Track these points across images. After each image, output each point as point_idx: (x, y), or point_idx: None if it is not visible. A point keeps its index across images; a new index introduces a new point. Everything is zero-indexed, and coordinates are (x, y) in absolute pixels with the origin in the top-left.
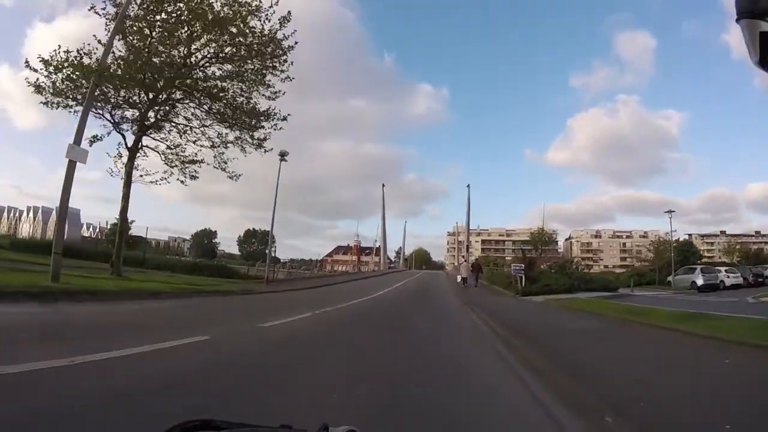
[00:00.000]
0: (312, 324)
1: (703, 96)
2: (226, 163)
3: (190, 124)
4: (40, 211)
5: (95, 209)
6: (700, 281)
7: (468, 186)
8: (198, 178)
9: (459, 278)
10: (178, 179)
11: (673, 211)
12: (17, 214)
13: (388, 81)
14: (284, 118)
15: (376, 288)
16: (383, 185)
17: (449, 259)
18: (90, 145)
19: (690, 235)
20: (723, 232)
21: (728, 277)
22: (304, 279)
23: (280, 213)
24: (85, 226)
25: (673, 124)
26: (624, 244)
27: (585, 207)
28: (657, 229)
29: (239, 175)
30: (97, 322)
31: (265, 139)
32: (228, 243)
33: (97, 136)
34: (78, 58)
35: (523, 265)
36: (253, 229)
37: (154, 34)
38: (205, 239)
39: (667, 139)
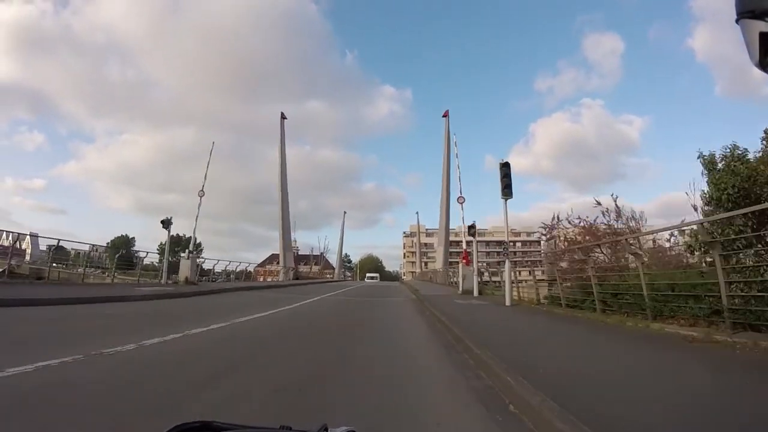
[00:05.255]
0: None
1: (665, 100)
2: None
3: None
4: None
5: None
6: None
7: (445, 115)
8: None
9: None
10: None
11: None
12: None
13: (349, 81)
14: None
15: None
16: (282, 116)
17: (407, 266)
18: None
19: None
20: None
21: None
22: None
23: (233, 224)
24: None
25: (635, 128)
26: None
27: (541, 214)
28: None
29: None
30: None
31: None
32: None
33: None
34: None
35: None
36: (176, 235)
37: None
38: (122, 248)
39: (628, 144)
